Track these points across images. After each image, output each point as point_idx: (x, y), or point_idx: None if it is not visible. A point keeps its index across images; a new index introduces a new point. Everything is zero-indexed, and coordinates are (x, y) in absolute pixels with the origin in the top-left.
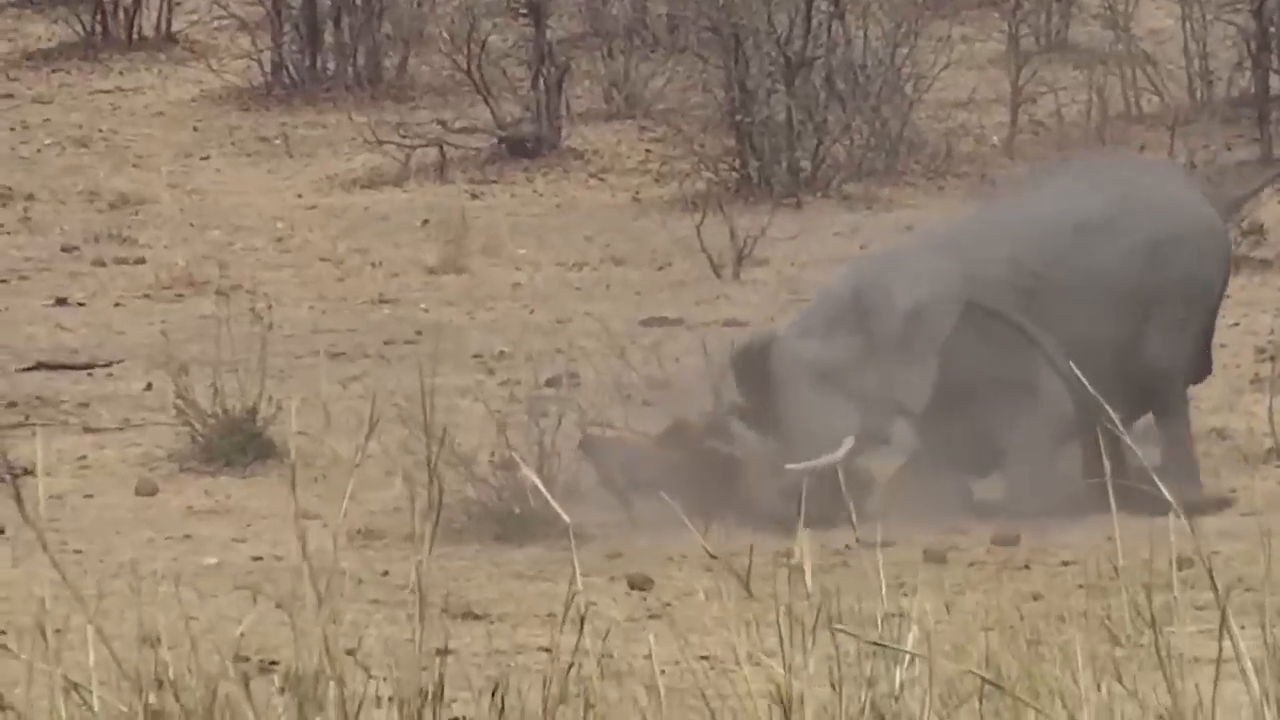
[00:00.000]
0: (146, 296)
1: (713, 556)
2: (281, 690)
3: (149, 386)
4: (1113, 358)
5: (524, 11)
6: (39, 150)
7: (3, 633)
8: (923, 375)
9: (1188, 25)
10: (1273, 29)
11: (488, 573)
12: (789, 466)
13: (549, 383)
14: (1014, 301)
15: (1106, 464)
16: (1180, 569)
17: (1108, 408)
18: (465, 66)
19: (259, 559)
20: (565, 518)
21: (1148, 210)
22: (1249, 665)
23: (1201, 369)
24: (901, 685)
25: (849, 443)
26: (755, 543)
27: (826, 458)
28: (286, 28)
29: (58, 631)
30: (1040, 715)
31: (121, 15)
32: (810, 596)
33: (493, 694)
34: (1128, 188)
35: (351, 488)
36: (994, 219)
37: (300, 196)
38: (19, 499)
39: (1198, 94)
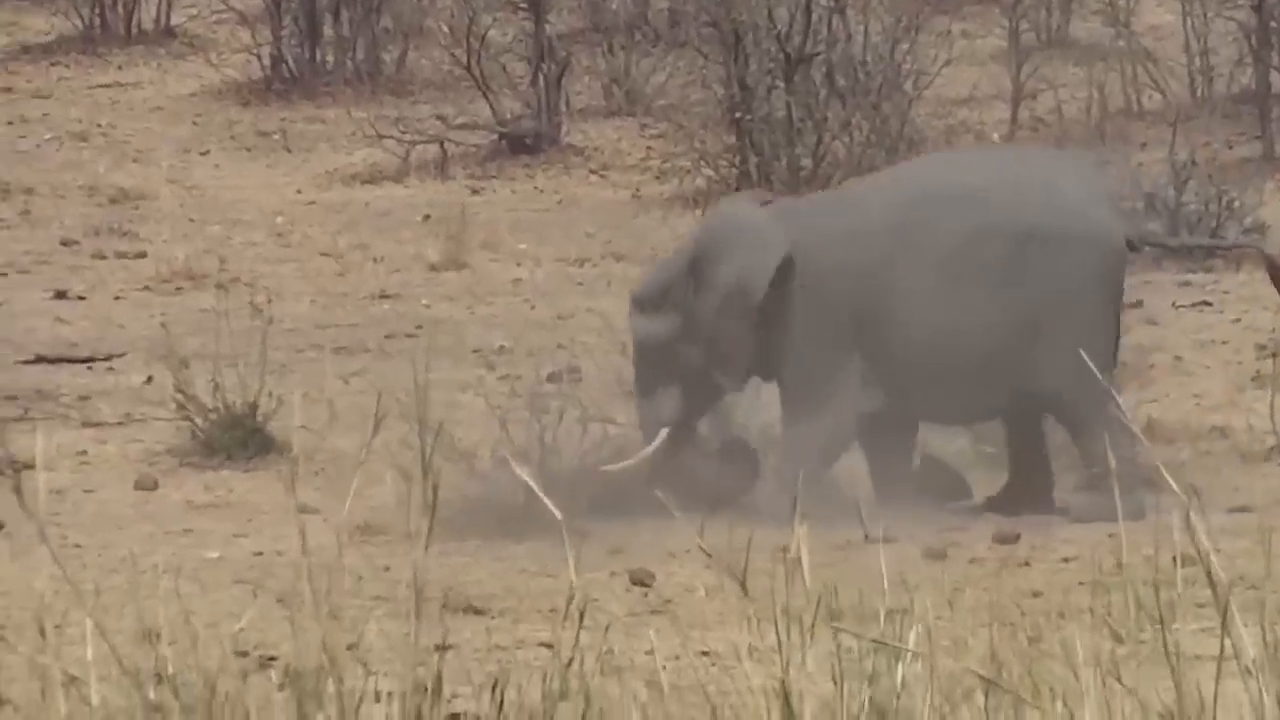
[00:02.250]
0: (146, 289)
1: (709, 555)
2: (281, 686)
3: (149, 380)
4: (967, 350)
5: (524, 6)
6: (38, 145)
7: (2, 627)
8: (738, 350)
9: (1188, 21)
10: (1274, 25)
11: (488, 568)
12: (602, 469)
13: (549, 378)
14: (859, 276)
15: (1048, 478)
16: (1183, 566)
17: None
18: (465, 61)
19: (259, 554)
20: (558, 514)
21: (1016, 198)
22: (1250, 663)
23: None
24: (903, 682)
25: (662, 435)
26: (755, 537)
27: (633, 459)
28: (286, 21)
29: (57, 626)
30: (1041, 713)
31: (120, 9)
32: (809, 593)
33: (493, 689)
34: (1006, 173)
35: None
36: (856, 188)
37: (300, 192)
38: (19, 493)
39: (1198, 90)
